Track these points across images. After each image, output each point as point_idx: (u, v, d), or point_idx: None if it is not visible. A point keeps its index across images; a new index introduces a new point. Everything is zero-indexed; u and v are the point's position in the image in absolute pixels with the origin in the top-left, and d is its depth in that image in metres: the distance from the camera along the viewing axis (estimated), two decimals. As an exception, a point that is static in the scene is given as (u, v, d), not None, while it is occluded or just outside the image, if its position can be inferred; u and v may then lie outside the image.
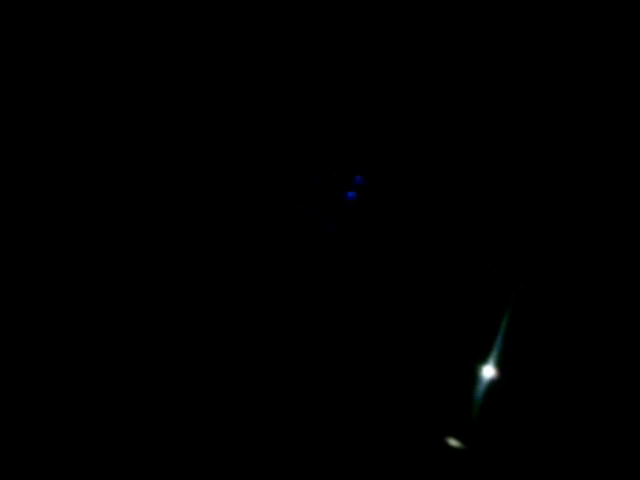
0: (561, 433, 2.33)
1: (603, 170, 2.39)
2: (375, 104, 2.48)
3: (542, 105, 2.43)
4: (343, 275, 2.49)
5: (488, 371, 2.41)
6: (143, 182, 2.48)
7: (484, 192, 2.46)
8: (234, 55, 2.50)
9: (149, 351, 2.41)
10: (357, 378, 2.44)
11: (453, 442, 2.38)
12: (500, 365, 2.40)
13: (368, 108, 2.48)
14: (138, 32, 2.46)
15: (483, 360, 2.42)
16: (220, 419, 2.37)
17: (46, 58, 2.44)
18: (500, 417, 2.38)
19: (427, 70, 2.47)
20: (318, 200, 2.47)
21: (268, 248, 2.48)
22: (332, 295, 2.48)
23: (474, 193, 2.47)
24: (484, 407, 2.39)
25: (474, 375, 2.41)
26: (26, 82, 2.43)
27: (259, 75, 2.50)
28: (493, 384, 2.40)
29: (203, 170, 2.50)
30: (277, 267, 2.49)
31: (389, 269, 2.49)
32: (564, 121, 2.42)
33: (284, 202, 2.46)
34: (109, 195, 2.46)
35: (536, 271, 2.42)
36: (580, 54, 2.39)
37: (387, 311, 2.47)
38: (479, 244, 2.46)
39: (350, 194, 2.46)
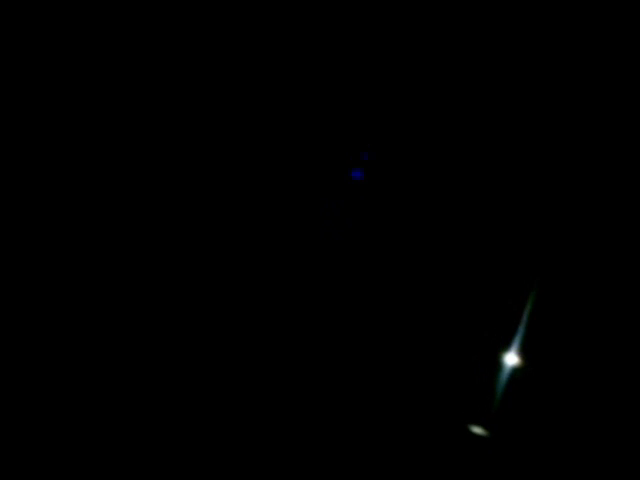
0: (585, 421, 2.32)
1: (631, 154, 2.36)
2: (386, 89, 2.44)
3: (570, 99, 2.39)
4: (358, 263, 2.47)
5: (511, 358, 2.39)
6: (155, 181, 2.46)
7: (509, 176, 2.43)
8: (242, 53, 2.46)
9: (153, 351, 2.41)
10: (381, 366, 2.44)
11: (476, 430, 2.37)
12: (523, 352, 2.39)
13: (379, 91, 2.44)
14: (143, 32, 2.43)
15: (506, 347, 2.40)
16: (239, 419, 2.38)
17: (47, 58, 2.42)
18: (523, 404, 2.37)
19: (441, 61, 2.43)
20: (320, 180, 2.30)
21: (268, 237, 2.46)
22: (347, 283, 2.47)
23: (499, 177, 2.43)
24: (507, 394, 2.38)
25: (497, 362, 2.40)
26: (26, 83, 2.40)
27: (260, 60, 2.46)
28: (516, 371, 2.39)
29: (206, 163, 2.48)
30: (282, 255, 2.47)
31: (408, 255, 2.47)
32: (587, 117, 2.38)
33: (281, 184, 2.39)
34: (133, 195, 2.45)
35: (560, 257, 2.40)
36: (581, 54, 2.35)
37: (410, 299, 2.46)
38: (503, 229, 2.43)
39: (356, 173, 2.27)
